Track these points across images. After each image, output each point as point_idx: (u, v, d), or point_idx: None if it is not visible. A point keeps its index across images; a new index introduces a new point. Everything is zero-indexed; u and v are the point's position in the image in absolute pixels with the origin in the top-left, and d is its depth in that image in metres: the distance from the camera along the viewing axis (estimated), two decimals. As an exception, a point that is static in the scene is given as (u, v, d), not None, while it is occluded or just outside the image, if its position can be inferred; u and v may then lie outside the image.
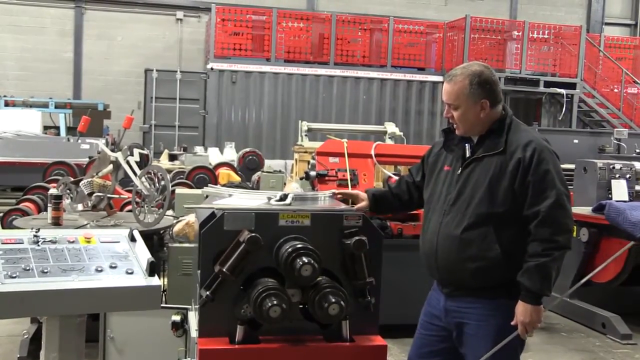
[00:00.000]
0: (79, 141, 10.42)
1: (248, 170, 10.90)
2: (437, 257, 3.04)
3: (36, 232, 2.64)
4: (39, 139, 12.33)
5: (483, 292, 2.96)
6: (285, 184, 9.51)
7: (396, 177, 6.97)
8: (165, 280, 5.35)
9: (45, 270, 2.45)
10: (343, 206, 3.73)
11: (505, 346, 2.87)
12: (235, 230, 3.19)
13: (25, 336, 4.71)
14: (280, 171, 10.35)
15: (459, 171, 3.05)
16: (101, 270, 2.53)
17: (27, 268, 2.44)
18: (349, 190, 3.42)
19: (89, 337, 3.82)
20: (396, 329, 4.90)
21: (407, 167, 10.27)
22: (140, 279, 2.56)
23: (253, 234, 3.11)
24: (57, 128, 15.17)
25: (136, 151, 4.89)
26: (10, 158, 10.98)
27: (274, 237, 3.21)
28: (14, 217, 6.04)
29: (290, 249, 3.11)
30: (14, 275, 2.39)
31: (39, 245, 2.58)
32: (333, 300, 3.09)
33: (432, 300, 3.23)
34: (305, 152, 10.90)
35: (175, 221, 5.29)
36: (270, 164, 12.20)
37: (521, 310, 2.85)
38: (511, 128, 3.01)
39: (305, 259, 3.06)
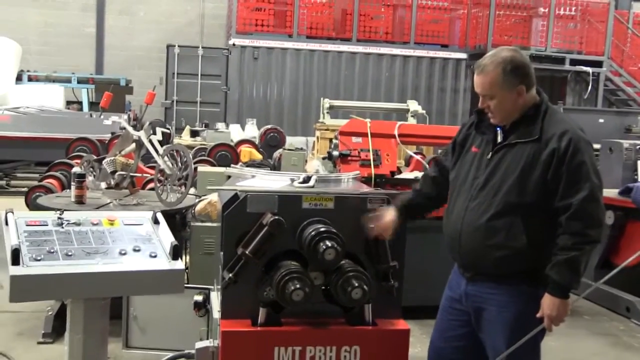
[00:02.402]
0: (102, 117, 10.43)
1: (269, 148, 10.85)
2: (461, 242, 2.98)
3: (60, 214, 2.64)
4: (62, 114, 12.36)
5: (505, 278, 2.91)
6: (306, 161, 9.48)
7: (418, 157, 6.94)
8: (188, 258, 5.36)
9: (70, 253, 2.45)
10: (367, 189, 3.71)
11: (530, 338, 2.82)
12: (259, 212, 3.17)
13: (50, 313, 4.75)
14: (301, 149, 10.28)
15: (489, 156, 2.97)
16: (125, 254, 2.53)
17: (52, 251, 2.44)
18: (377, 213, 3.27)
19: (112, 313, 3.86)
20: (418, 310, 4.88)
21: (429, 147, 10.23)
22: (164, 263, 2.55)
23: (276, 217, 3.10)
24: (80, 103, 15.24)
25: (159, 130, 4.87)
26: (33, 133, 11.04)
27: (297, 219, 3.20)
28: (37, 194, 6.07)
29: (313, 233, 3.09)
30: (39, 258, 2.39)
31: (63, 228, 2.58)
32: (356, 284, 3.07)
33: (452, 284, 3.18)
34: (327, 129, 10.85)
35: (197, 200, 5.28)
36: (291, 141, 12.14)
37: (548, 303, 2.79)
38: (547, 115, 2.92)
39: (328, 243, 3.04)
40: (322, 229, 3.10)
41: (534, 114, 2.92)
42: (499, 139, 2.97)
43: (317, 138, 11.13)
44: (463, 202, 3.00)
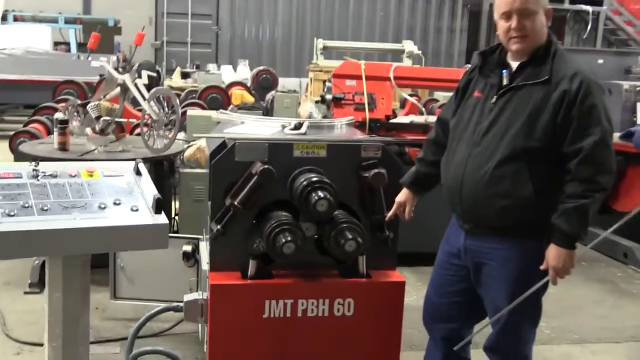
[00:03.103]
0: (89, 58, 10.13)
1: (262, 89, 10.61)
2: (462, 192, 2.82)
3: (35, 165, 2.47)
4: (49, 55, 12.04)
5: (507, 231, 2.76)
6: (299, 104, 9.28)
7: (413, 100, 6.75)
8: (177, 205, 5.24)
9: (45, 208, 2.29)
10: (361, 135, 3.55)
11: (532, 293, 2.70)
12: (248, 161, 3.03)
13: (37, 262, 4.65)
14: (294, 91, 10.06)
15: (494, 100, 2.77)
16: (104, 208, 2.37)
17: (26, 205, 2.27)
18: (395, 206, 3.13)
19: (99, 262, 3.76)
20: (412, 257, 4.80)
21: (425, 90, 10.03)
22: (146, 217, 2.39)
23: (266, 166, 2.95)
24: (68, 44, 14.86)
25: (144, 73, 4.67)
26: (19, 75, 10.75)
27: (288, 168, 3.05)
28: (21, 139, 5.89)
29: (305, 182, 2.95)
30: (12, 213, 2.23)
31: (38, 180, 2.41)
32: (350, 236, 2.94)
33: (450, 237, 3.04)
34: (321, 70, 10.64)
35: (186, 146, 5.12)
36: (284, 82, 11.90)
37: (554, 254, 2.64)
38: (556, 56, 2.72)
39: (320, 193, 2.90)
40: (314, 179, 2.95)
41: (543, 55, 2.72)
42: (505, 82, 2.77)
43: (311, 80, 10.92)
44: (465, 148, 2.82)
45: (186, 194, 5.08)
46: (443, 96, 9.91)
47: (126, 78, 4.50)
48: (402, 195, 3.15)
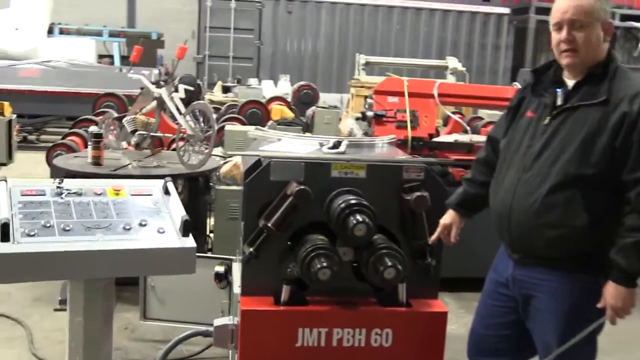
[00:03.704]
0: (131, 71, 10.17)
1: (302, 105, 10.53)
2: (511, 219, 2.62)
3: (59, 182, 2.36)
4: (92, 68, 12.13)
5: (560, 263, 2.54)
6: (340, 120, 9.15)
7: (456, 117, 6.53)
8: (212, 223, 5.11)
9: (67, 228, 2.17)
10: (403, 155, 3.38)
11: (581, 329, 2.46)
12: (283, 180, 2.88)
13: (68, 278, 4.55)
14: (335, 107, 9.96)
15: (547, 121, 2.57)
16: (129, 229, 2.25)
17: (48, 225, 2.17)
18: (440, 228, 2.94)
19: (129, 280, 3.63)
20: (455, 283, 4.58)
21: (469, 108, 9.76)
22: (173, 240, 2.27)
23: (302, 187, 2.79)
24: (112, 57, 15.00)
25: (181, 87, 4.57)
26: (62, 88, 10.83)
27: (325, 189, 2.89)
28: (58, 152, 5.85)
29: (343, 205, 2.78)
30: (32, 233, 2.12)
31: (62, 198, 2.31)
32: (389, 263, 2.76)
33: (498, 266, 2.84)
34: (362, 86, 10.51)
35: (222, 162, 5.00)
36: (325, 98, 11.81)
37: (612, 292, 2.41)
38: (616, 74, 2.50)
39: (359, 217, 2.72)
40: (353, 201, 2.78)
41: (601, 73, 2.51)
42: (559, 102, 2.56)
43: (352, 95, 10.78)
44: (515, 173, 2.62)
45: (221, 211, 4.95)
46: (487, 114, 9.66)
47: (162, 92, 4.42)
48: (448, 217, 2.96)
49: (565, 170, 2.47)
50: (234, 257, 3.63)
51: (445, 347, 2.95)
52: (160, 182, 2.53)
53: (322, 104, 10.07)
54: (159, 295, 3.84)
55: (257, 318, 2.87)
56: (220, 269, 3.58)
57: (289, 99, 10.57)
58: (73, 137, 6.51)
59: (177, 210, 2.38)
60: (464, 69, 10.77)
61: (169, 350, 3.09)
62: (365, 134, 6.77)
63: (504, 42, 15.93)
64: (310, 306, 2.91)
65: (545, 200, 2.50)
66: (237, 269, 3.43)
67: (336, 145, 3.23)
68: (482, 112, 9.94)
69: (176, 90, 4.46)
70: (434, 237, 2.93)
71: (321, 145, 3.32)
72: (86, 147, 6.18)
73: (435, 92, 5.31)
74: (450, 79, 10.51)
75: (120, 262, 2.19)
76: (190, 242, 2.27)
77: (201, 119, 4.21)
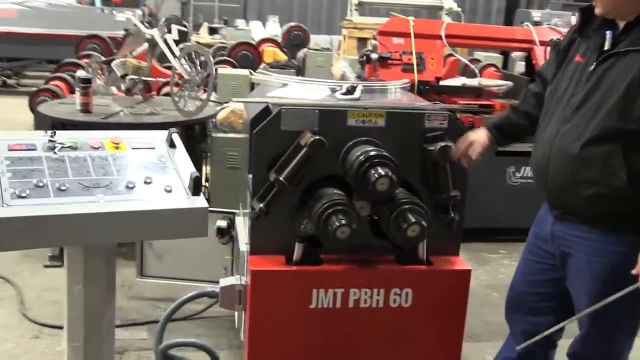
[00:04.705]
0: (114, 12, 9.73)
1: (293, 47, 10.18)
2: (548, 173, 2.40)
3: (52, 135, 2.09)
4: (72, 8, 11.59)
5: (600, 221, 2.33)
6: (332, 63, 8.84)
7: (466, 61, 6.25)
8: (208, 172, 4.86)
9: (63, 188, 1.91)
10: (423, 102, 3.12)
11: (625, 297, 2.22)
12: (295, 130, 2.62)
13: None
14: (328, 49, 9.62)
15: (592, 67, 2.31)
16: (132, 187, 1.99)
17: (40, 184, 1.90)
18: (464, 140, 2.69)
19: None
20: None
21: (480, 51, 9.43)
22: (182, 199, 2.02)
23: (317, 137, 2.55)
24: (92, -3, 14.42)
25: (174, 27, 4.25)
26: (41, 29, 10.33)
27: (341, 139, 2.65)
28: (42, 98, 5.51)
29: (362, 157, 2.53)
30: (24, 194, 1.86)
31: (55, 153, 2.04)
32: (413, 220, 2.54)
33: (540, 220, 2.62)
34: (355, 28, 10.14)
35: (219, 108, 4.72)
36: (315, 39, 11.42)
37: None
38: None
39: (381, 170, 2.48)
40: (373, 153, 2.54)
41: None
42: (607, 46, 2.29)
43: (344, 37, 10.41)
44: (555, 124, 2.39)
45: (219, 160, 4.69)
46: (484, 56, 9.38)
47: (155, 33, 4.10)
48: (477, 134, 2.72)
49: (605, 123, 2.24)
50: (237, 211, 3.40)
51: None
52: (163, 133, 2.27)
53: (314, 46, 9.72)
54: (157, 251, 3.62)
55: (268, 279, 2.67)
56: (223, 223, 3.35)
57: (279, 41, 10.20)
58: (57, 82, 6.15)
59: (184, 165, 2.13)
60: (459, 9, 10.42)
61: (170, 314, 2.87)
62: (359, 77, 6.49)
63: (497, -18, 15.54)
64: (325, 265, 2.70)
65: (581, 155, 2.28)
66: (241, 224, 3.22)
67: (350, 90, 2.97)
68: (479, 54, 9.65)
69: (169, 31, 4.14)
70: (458, 151, 2.68)
71: (333, 91, 3.05)
72: (71, 92, 5.87)
73: (443, 33, 5.02)
74: (446, 20, 10.16)
75: (124, 226, 1.94)
76: (201, 201, 2.02)
77: (197, 62, 3.91)
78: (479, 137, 2.71)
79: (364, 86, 3.15)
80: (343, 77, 7.48)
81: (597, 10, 2.30)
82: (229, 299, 2.86)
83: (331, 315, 2.67)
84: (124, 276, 3.89)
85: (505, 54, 10.36)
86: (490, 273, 4.64)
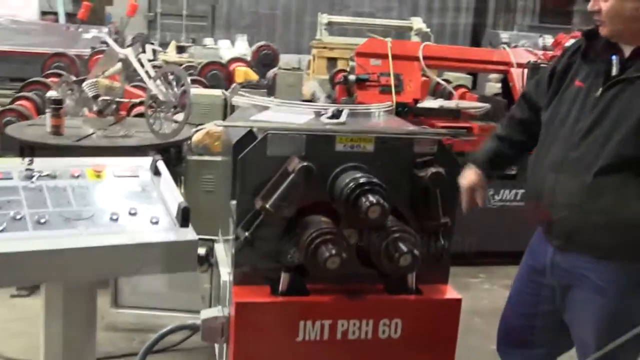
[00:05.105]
0: (80, 30, 9.53)
1: (262, 67, 10.08)
2: (554, 202, 2.34)
3: (29, 162, 1.97)
4: (36, 25, 11.35)
5: (612, 251, 2.27)
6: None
7: (444, 83, 6.23)
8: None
9: (42, 220, 1.79)
10: (411, 126, 3.06)
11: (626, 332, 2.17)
12: (281, 156, 2.53)
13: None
14: (299, 68, 9.55)
15: (599, 93, 2.26)
16: (116, 219, 1.88)
17: (18, 217, 1.78)
18: (465, 191, 2.66)
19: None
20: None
21: (454, 72, 9.47)
22: (170, 232, 1.91)
23: (306, 163, 2.46)
24: (56, 14, 14.15)
25: (149, 47, 4.15)
26: (5, 46, 10.06)
27: (329, 165, 2.56)
28: (8, 119, 5.31)
29: (352, 184, 2.44)
30: (0, 227, 1.74)
31: (33, 182, 1.92)
32: (405, 249, 2.46)
33: (535, 250, 2.56)
34: (325, 47, 10.10)
35: (193, 130, 4.60)
36: (284, 59, 11.36)
37: None
38: None
39: (372, 198, 2.40)
40: (362, 180, 2.46)
41: None
42: (614, 71, 2.25)
43: (314, 56, 10.36)
44: (560, 151, 2.33)
45: (194, 184, 4.56)
46: (454, 77, 9.39)
47: (129, 52, 3.97)
48: (470, 176, 2.65)
49: (618, 151, 2.20)
50: (216, 238, 3.29)
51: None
52: (147, 160, 2.16)
53: (285, 66, 9.65)
54: (132, 280, 3.47)
55: (254, 311, 2.55)
56: (201, 250, 3.23)
57: (249, 60, 10.10)
58: (23, 102, 5.93)
59: (171, 194, 2.02)
60: (428, 30, 10.45)
61: (151, 346, 2.74)
62: (329, 96, 6.44)
63: (464, 4, 15.69)
64: (312, 296, 2.60)
65: (594, 183, 2.22)
66: (222, 252, 3.10)
67: (336, 114, 2.89)
68: (448, 75, 9.67)
69: (144, 51, 4.02)
70: (464, 203, 2.61)
71: (318, 114, 2.97)
72: (38, 113, 5.68)
73: (421, 55, 4.99)
74: (415, 40, 10.19)
75: (108, 261, 1.82)
76: (190, 233, 1.91)
77: (173, 83, 3.80)
78: (476, 180, 2.66)
79: (351, 110, 3.08)
80: (314, 97, 7.42)
81: (603, 32, 2.27)
82: (212, 333, 2.73)
83: (319, 347, 2.57)
84: (96, 306, 3.73)
85: (474, 74, 10.41)
86: (472, 298, 4.57)
